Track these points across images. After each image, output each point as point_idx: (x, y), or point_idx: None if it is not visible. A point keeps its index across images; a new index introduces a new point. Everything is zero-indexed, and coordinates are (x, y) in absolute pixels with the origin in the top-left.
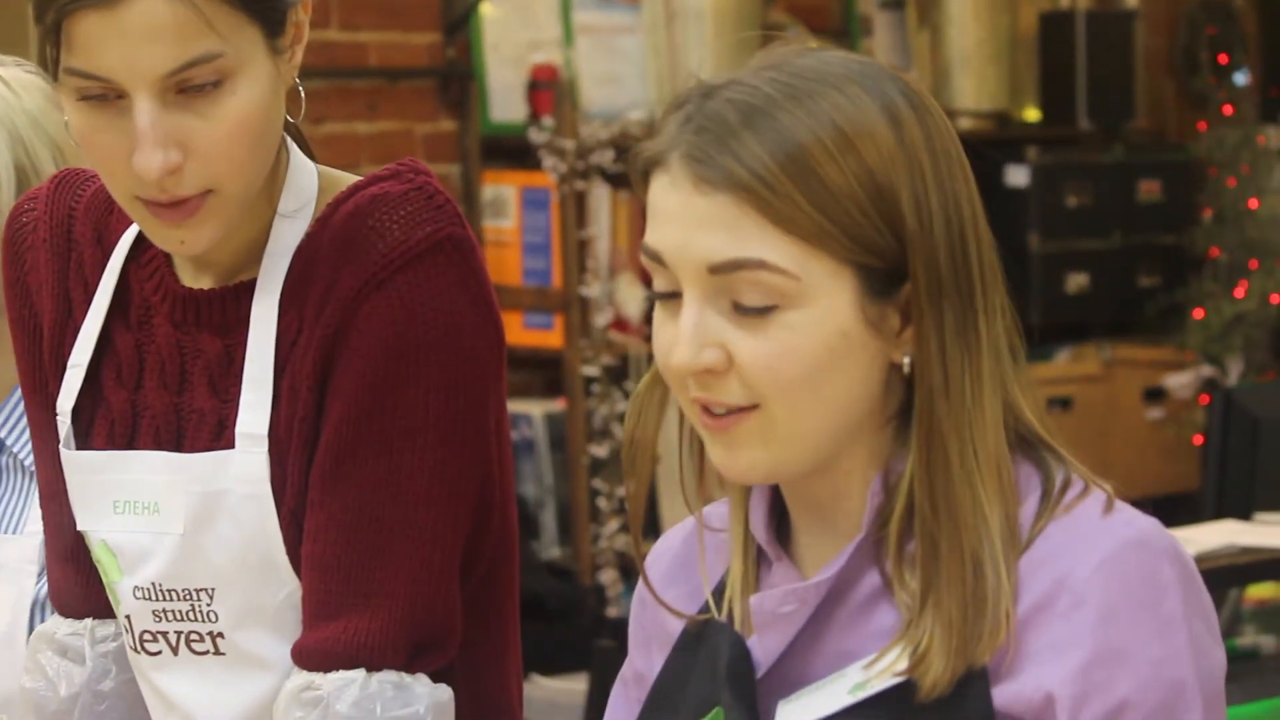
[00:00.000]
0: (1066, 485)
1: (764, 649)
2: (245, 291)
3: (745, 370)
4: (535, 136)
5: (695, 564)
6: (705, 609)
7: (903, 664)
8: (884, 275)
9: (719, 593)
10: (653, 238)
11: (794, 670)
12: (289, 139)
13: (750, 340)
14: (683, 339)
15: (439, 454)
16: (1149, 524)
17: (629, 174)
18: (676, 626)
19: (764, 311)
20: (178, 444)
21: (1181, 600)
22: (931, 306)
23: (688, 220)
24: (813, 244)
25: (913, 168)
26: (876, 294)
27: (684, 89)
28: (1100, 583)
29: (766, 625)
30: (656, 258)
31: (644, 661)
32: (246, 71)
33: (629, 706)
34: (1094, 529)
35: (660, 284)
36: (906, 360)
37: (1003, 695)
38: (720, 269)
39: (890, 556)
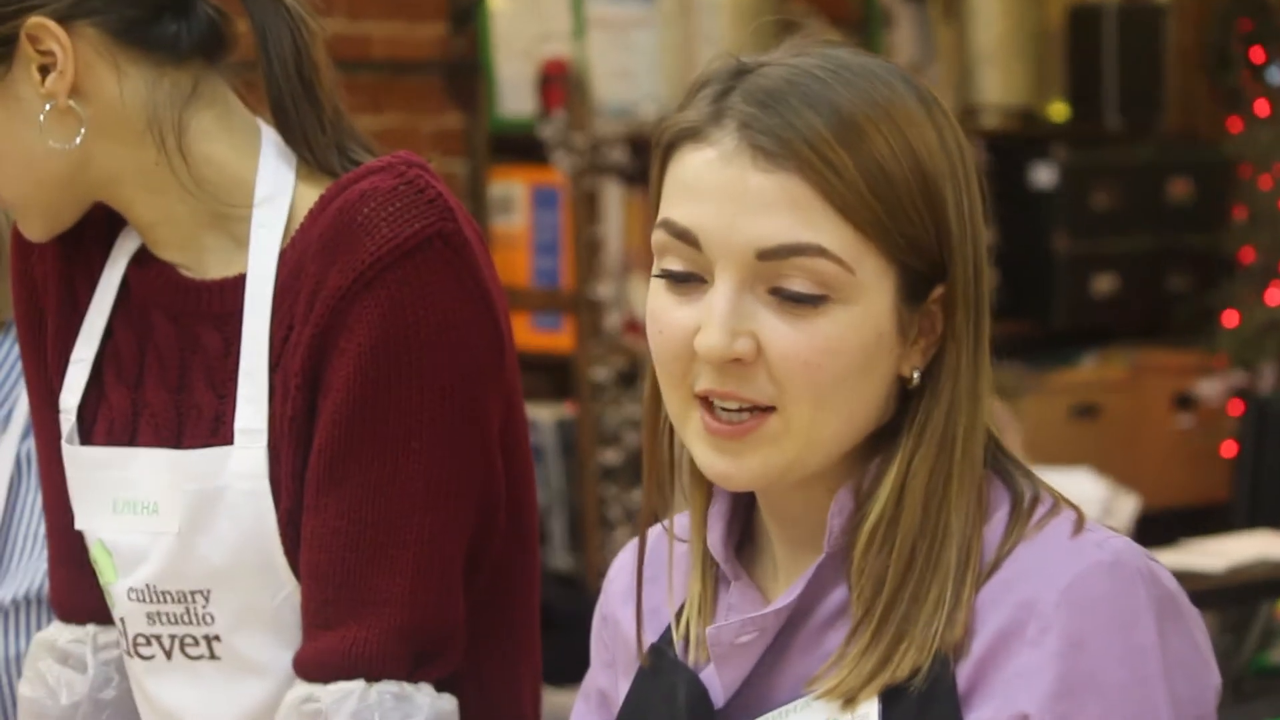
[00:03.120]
0: (1035, 502)
1: (723, 680)
2: (243, 283)
3: (777, 364)
4: (545, 132)
5: (656, 580)
6: (667, 633)
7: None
8: (920, 279)
9: (679, 614)
10: (685, 215)
11: (754, 696)
12: (263, 126)
13: (789, 332)
14: (716, 323)
15: (436, 457)
16: (1121, 545)
17: (651, 147)
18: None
19: (814, 302)
20: (177, 441)
21: (1154, 624)
22: (963, 311)
23: (739, 198)
24: (868, 236)
25: (954, 169)
26: (910, 299)
27: (710, 67)
28: (1068, 608)
29: (725, 657)
30: (686, 236)
31: (608, 679)
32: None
33: None
34: (1062, 551)
35: (678, 263)
36: (916, 373)
37: None
38: (772, 254)
39: (854, 566)
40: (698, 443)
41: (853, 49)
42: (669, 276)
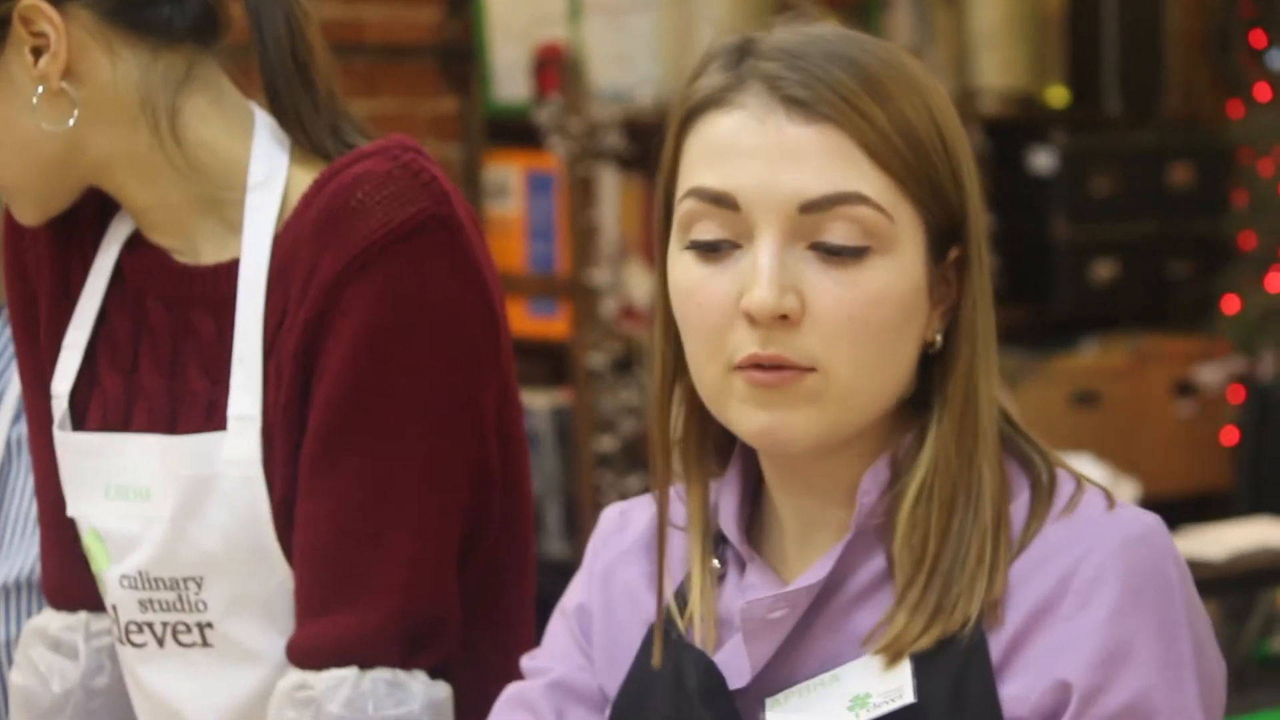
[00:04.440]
0: (1053, 481)
1: (751, 657)
2: (237, 268)
3: (824, 320)
4: (541, 116)
5: (644, 560)
6: (665, 616)
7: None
8: (943, 235)
9: (679, 597)
10: (718, 178)
11: (778, 675)
12: (256, 109)
13: (833, 287)
14: (764, 279)
15: (430, 442)
16: (1154, 521)
17: (669, 121)
18: (642, 607)
19: (857, 254)
20: (171, 427)
21: (1184, 603)
22: (980, 274)
23: (777, 153)
24: (903, 184)
25: (961, 137)
26: (935, 256)
27: (714, 43)
28: (1107, 579)
29: (755, 632)
30: (722, 199)
31: (587, 597)
32: None
33: (568, 635)
34: (1098, 526)
35: (711, 231)
36: (939, 336)
37: (1009, 700)
38: (815, 205)
39: (899, 535)
40: (739, 406)
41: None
42: (699, 247)
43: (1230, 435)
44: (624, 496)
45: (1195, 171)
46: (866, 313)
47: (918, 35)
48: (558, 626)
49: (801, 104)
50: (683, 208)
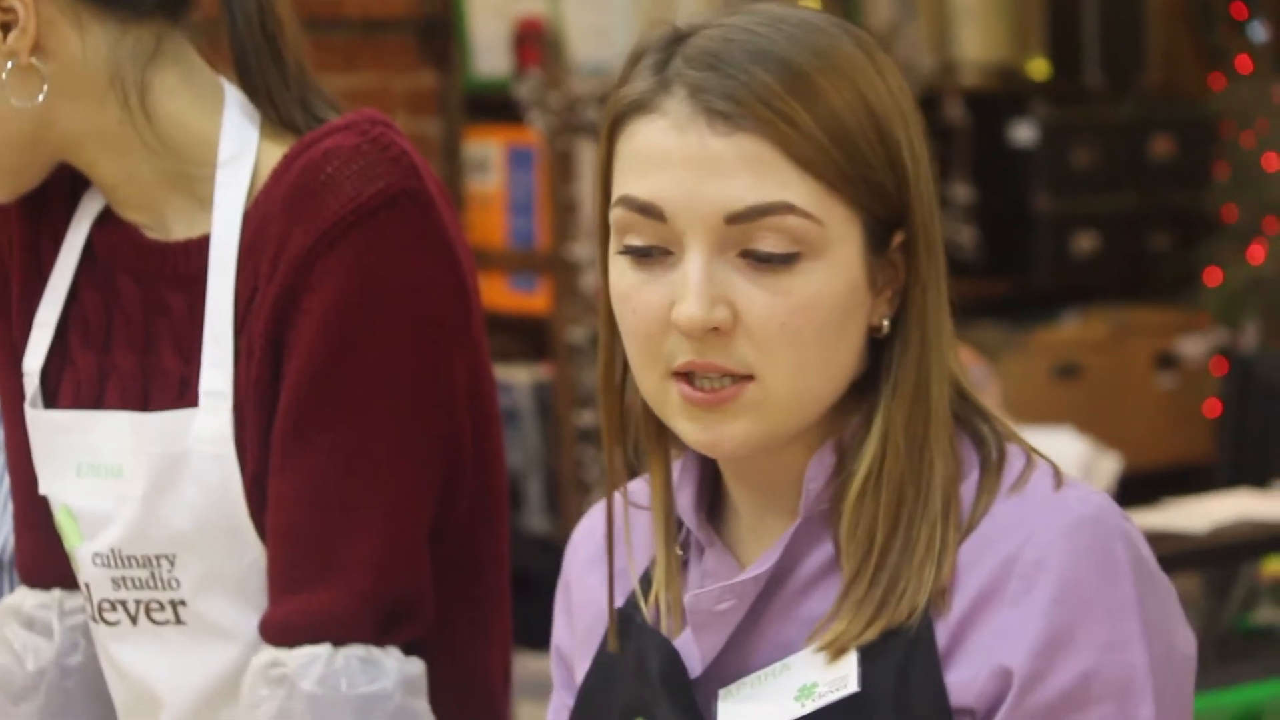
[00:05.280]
0: (1003, 457)
1: (701, 648)
2: (208, 244)
3: (756, 329)
4: (520, 91)
5: (618, 546)
6: (632, 600)
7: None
8: (883, 226)
9: (644, 581)
10: (645, 188)
11: (732, 664)
12: (226, 84)
13: (764, 295)
14: (693, 293)
15: (400, 418)
16: (1102, 500)
17: (601, 122)
18: (604, 615)
19: (786, 260)
20: (144, 404)
21: (1134, 582)
22: (925, 254)
23: (700, 165)
24: (832, 186)
25: (901, 112)
26: (875, 247)
27: (644, 37)
28: (1051, 562)
29: (704, 624)
30: (649, 210)
31: (569, 645)
32: None
33: (557, 680)
34: (1043, 507)
35: (642, 238)
36: (886, 322)
37: (955, 687)
38: (740, 217)
39: (846, 521)
40: (679, 418)
41: (788, 3)
42: (632, 253)
43: (1212, 407)
44: (604, 471)
45: (1176, 144)
46: (799, 319)
47: (899, 9)
48: (553, 668)
49: (723, 115)
50: (614, 214)
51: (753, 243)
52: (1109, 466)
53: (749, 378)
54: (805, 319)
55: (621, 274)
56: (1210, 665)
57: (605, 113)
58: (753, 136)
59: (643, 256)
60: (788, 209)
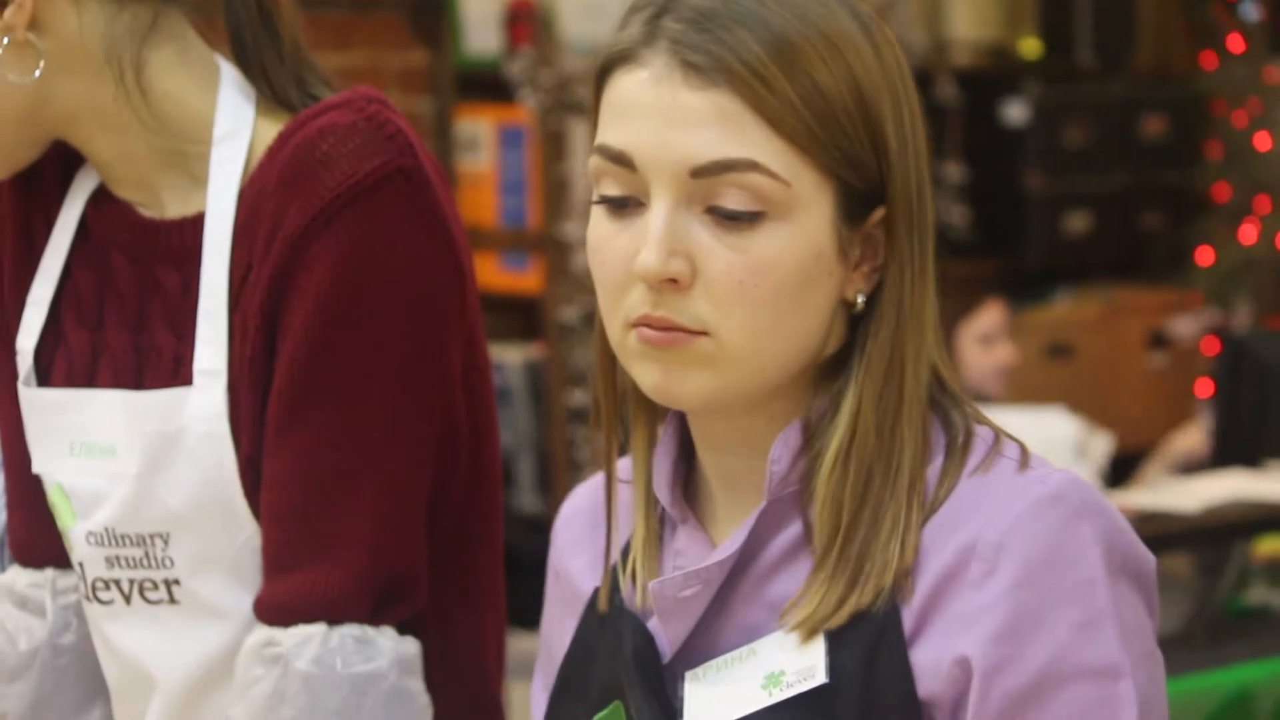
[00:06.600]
0: (969, 438)
1: (669, 634)
2: (202, 222)
3: (713, 285)
4: (512, 70)
5: (600, 525)
6: (614, 580)
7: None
8: (860, 197)
9: (625, 555)
10: (618, 136)
11: (698, 648)
12: (222, 62)
13: (724, 252)
14: (653, 242)
15: (395, 397)
16: (1064, 479)
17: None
18: (584, 598)
19: (750, 219)
20: (137, 382)
21: (1102, 558)
22: (905, 233)
23: (671, 116)
24: (802, 149)
25: (893, 90)
26: (850, 218)
27: None
28: (1012, 546)
29: (669, 611)
30: (620, 159)
31: (547, 630)
32: None
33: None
34: (1005, 490)
35: (615, 188)
36: (860, 297)
37: (922, 673)
38: (705, 171)
39: (818, 498)
40: (636, 362)
41: None
42: (607, 202)
43: (1204, 387)
44: (597, 450)
45: (1168, 123)
46: (757, 278)
47: None
48: (540, 653)
49: (697, 69)
50: (591, 162)
51: (717, 199)
52: (1101, 446)
53: (702, 333)
54: (763, 278)
55: (597, 224)
56: (1202, 645)
57: (595, 61)
58: (725, 92)
59: (619, 208)
60: (752, 166)
